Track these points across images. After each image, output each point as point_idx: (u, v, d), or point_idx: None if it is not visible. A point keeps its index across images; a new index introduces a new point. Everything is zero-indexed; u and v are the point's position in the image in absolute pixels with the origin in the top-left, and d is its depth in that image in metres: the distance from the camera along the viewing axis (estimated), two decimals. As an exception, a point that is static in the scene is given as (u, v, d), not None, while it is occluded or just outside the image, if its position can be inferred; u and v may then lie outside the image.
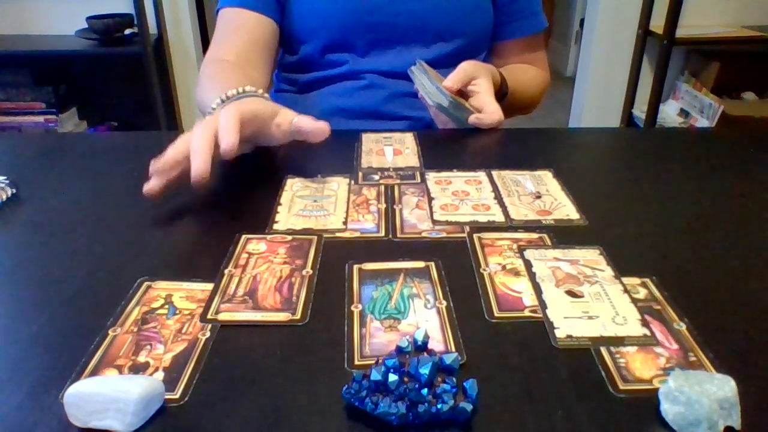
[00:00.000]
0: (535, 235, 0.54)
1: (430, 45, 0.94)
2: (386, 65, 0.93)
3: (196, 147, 0.55)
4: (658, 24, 2.30)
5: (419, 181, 0.66)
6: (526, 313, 0.44)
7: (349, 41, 0.93)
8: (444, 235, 0.55)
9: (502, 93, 0.91)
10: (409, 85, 0.90)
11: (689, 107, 2.38)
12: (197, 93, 0.83)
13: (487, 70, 0.86)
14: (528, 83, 1.02)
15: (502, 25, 1.00)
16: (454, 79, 0.80)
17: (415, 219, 0.57)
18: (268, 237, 0.54)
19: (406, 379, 0.34)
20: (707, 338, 0.41)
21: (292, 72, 1.00)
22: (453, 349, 0.40)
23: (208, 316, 0.43)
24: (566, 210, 0.59)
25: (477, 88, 0.82)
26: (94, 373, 0.38)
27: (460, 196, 0.62)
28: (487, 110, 0.81)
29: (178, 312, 0.44)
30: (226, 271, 0.49)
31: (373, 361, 0.36)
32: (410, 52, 0.93)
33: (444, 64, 0.90)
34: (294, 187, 0.64)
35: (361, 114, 0.94)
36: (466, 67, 0.82)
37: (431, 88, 0.80)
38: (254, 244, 0.53)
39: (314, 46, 0.94)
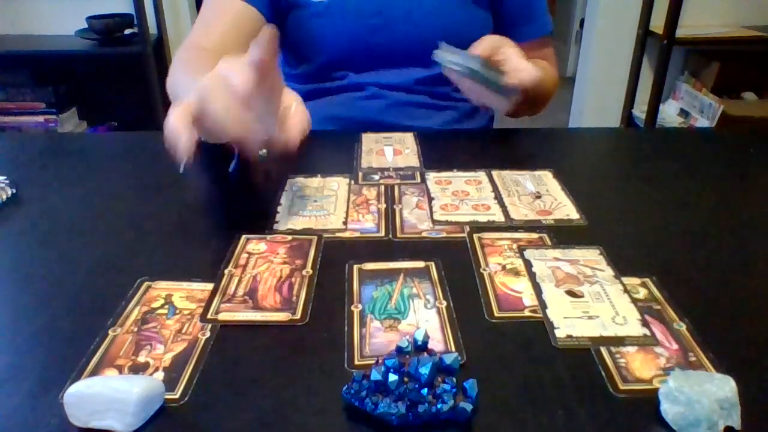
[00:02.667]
0: (535, 235, 0.54)
1: (430, 66, 0.90)
2: (386, 81, 0.91)
3: (174, 128, 0.48)
4: (658, 24, 2.30)
5: (419, 181, 0.66)
6: (526, 313, 0.44)
7: (348, 61, 0.91)
8: (444, 235, 0.55)
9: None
10: (410, 96, 0.89)
11: (689, 107, 2.38)
12: (170, 79, 0.77)
13: (512, 42, 0.81)
14: (546, 74, 0.96)
15: (507, 30, 0.96)
16: (479, 47, 0.76)
17: (415, 219, 0.57)
18: (268, 237, 0.54)
19: (406, 379, 0.34)
20: (707, 338, 0.41)
21: (292, 81, 0.99)
22: (453, 349, 0.40)
23: (208, 316, 0.43)
24: (566, 210, 0.59)
25: (504, 55, 0.76)
26: (94, 373, 0.38)
27: (460, 196, 0.62)
28: (521, 68, 0.75)
29: (178, 312, 0.44)
30: (226, 271, 0.49)
31: (373, 361, 0.36)
32: (409, 72, 0.91)
33: (446, 82, 0.89)
34: (294, 187, 0.64)
35: (361, 124, 0.93)
36: (489, 38, 0.77)
37: (459, 58, 0.76)
38: (254, 244, 0.53)
39: (313, 65, 0.92)
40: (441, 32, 0.90)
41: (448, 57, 0.77)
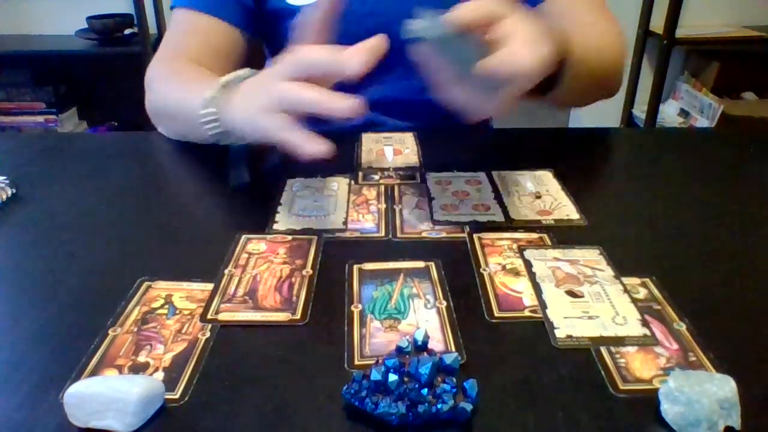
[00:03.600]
0: (535, 235, 0.54)
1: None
2: (383, 95, 0.84)
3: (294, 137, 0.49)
4: (658, 24, 2.30)
5: (419, 181, 0.65)
6: (526, 313, 0.44)
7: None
8: (444, 235, 0.55)
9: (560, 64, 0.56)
10: (407, 123, 0.85)
11: (689, 107, 2.38)
12: (158, 94, 0.72)
13: (524, 11, 0.51)
14: (606, 34, 0.68)
15: None
16: (466, 8, 0.48)
17: (415, 219, 0.57)
18: (268, 237, 0.54)
19: (406, 379, 0.34)
20: (707, 338, 0.41)
21: None
22: (453, 349, 0.40)
23: (208, 316, 0.43)
24: (566, 210, 0.59)
25: (507, 31, 0.48)
26: (94, 373, 0.38)
27: (460, 196, 0.62)
28: (515, 50, 0.47)
29: (178, 312, 0.44)
30: (226, 271, 0.49)
31: (373, 361, 0.36)
32: (409, 78, 0.86)
33: None
34: (294, 187, 0.64)
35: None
36: (487, 2, 0.49)
37: (426, 21, 0.50)
38: (254, 244, 0.53)
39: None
40: None
41: (416, 27, 0.51)
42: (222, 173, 0.67)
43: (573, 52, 0.57)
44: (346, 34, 0.83)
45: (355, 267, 0.49)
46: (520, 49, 0.47)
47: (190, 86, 0.68)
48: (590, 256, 0.51)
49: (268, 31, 0.87)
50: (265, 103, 0.52)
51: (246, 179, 0.64)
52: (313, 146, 0.49)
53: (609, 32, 0.71)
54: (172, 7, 0.80)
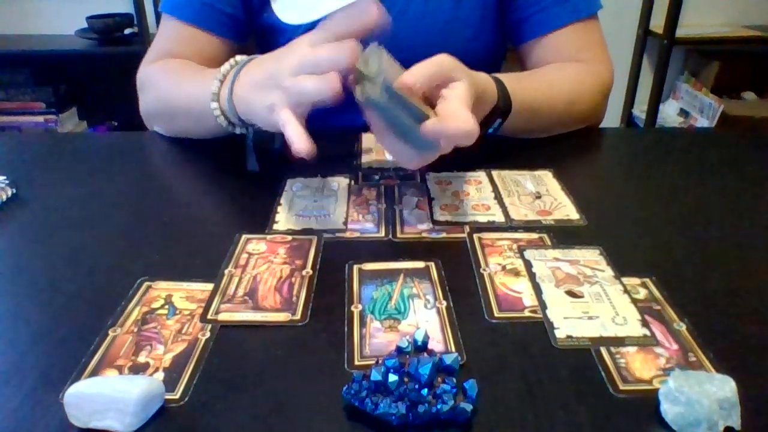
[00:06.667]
0: (535, 235, 0.54)
1: None
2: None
3: (292, 132, 0.51)
4: (658, 24, 2.30)
5: (419, 181, 0.65)
6: (526, 313, 0.44)
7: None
8: (444, 235, 0.55)
9: (501, 111, 0.67)
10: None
11: (689, 107, 2.38)
12: (157, 92, 0.75)
13: (469, 75, 0.56)
14: (557, 88, 0.76)
15: (529, 17, 0.78)
16: (419, 72, 0.51)
17: (415, 219, 0.57)
18: (268, 237, 0.54)
19: (406, 379, 0.34)
20: (707, 338, 0.41)
21: None
22: (453, 349, 0.40)
23: (208, 317, 0.43)
24: (566, 210, 0.59)
25: (449, 93, 0.52)
26: (94, 373, 0.38)
27: (460, 196, 0.62)
28: (452, 116, 0.51)
29: (178, 312, 0.44)
30: (226, 271, 0.49)
31: (373, 361, 0.36)
32: None
33: None
34: (294, 187, 0.64)
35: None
36: (444, 61, 0.53)
37: (372, 72, 0.49)
38: (254, 244, 0.53)
39: None
40: (427, 44, 0.73)
41: (366, 61, 0.50)
42: (227, 166, 0.67)
43: (514, 107, 0.68)
44: None
45: (355, 267, 0.49)
46: (459, 117, 0.50)
47: (195, 81, 0.69)
48: (590, 256, 0.51)
49: (261, 43, 0.86)
50: (272, 100, 0.53)
51: (257, 167, 0.66)
52: (300, 145, 0.50)
53: (565, 87, 0.77)
54: (160, 11, 0.80)
